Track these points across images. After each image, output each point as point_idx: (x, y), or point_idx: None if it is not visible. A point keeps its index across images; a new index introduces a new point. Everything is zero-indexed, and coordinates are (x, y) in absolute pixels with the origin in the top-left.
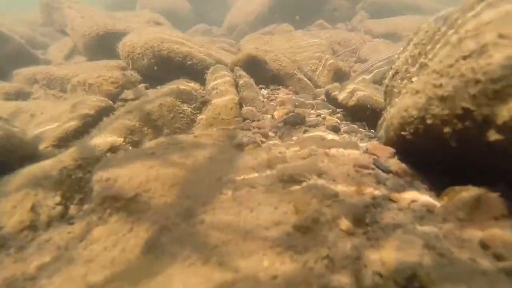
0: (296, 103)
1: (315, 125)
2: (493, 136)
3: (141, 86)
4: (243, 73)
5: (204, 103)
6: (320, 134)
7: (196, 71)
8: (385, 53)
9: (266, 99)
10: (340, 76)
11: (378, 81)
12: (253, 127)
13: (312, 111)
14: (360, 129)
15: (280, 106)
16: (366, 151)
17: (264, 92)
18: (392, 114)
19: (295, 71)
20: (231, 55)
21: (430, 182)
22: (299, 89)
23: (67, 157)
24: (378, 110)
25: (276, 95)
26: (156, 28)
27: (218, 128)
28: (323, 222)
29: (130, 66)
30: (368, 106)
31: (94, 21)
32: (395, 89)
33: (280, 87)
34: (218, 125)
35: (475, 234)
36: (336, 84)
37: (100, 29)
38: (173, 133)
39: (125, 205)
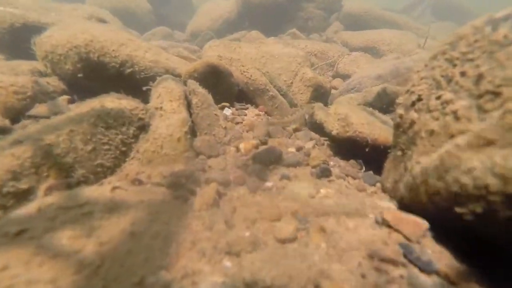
0: (269, 129)
1: (295, 165)
2: None
3: (62, 98)
4: (198, 87)
5: (143, 127)
6: (306, 187)
7: (138, 83)
8: (370, 68)
9: (229, 122)
10: (320, 94)
11: (370, 103)
12: (209, 167)
13: (290, 141)
14: (356, 171)
15: (247, 131)
16: (383, 223)
17: (228, 112)
18: (424, 169)
19: (268, 87)
20: (188, 63)
21: (489, 280)
22: (272, 109)
23: None
24: (382, 147)
25: (243, 116)
26: (89, 24)
27: (157, 169)
28: None
29: (49, 71)
30: (369, 141)
31: (9, 9)
32: (417, 125)
33: (248, 105)
34: (159, 163)
35: None
36: (319, 104)
37: (16, 19)
38: (92, 173)
39: None
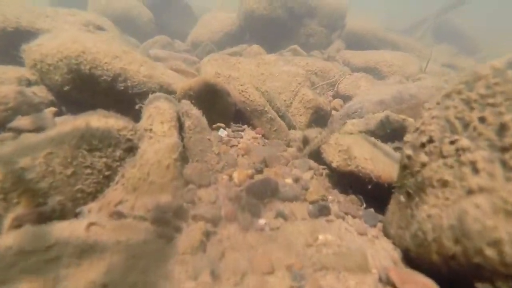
0: (266, 155)
1: (292, 199)
2: None
3: (49, 111)
4: (192, 109)
5: (131, 150)
6: (303, 231)
7: (131, 98)
8: (372, 92)
9: (224, 144)
10: (320, 116)
11: (372, 131)
12: (199, 199)
13: (287, 170)
14: (357, 208)
15: (243, 155)
16: (387, 282)
17: (223, 133)
18: (437, 227)
19: (266, 108)
20: (185, 79)
21: None
22: (269, 132)
23: None
24: (386, 185)
25: (238, 138)
26: (82, 33)
27: (142, 199)
28: None
29: (37, 79)
30: (372, 178)
31: (1, 12)
32: (428, 171)
33: (245, 126)
34: (145, 192)
35: None
36: (316, 129)
37: (8, 23)
38: (71, 200)
39: None
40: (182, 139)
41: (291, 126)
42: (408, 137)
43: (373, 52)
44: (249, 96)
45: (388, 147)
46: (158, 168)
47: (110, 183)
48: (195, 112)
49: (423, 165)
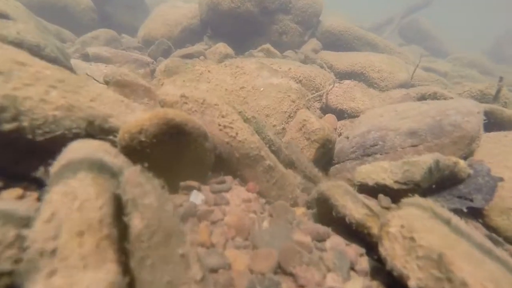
0: (278, 253)
1: None
2: None
3: None
4: (144, 193)
5: None
6: None
7: (33, 147)
8: (386, 113)
9: (200, 220)
10: (327, 150)
11: (416, 183)
12: None
13: (317, 277)
14: None
15: (233, 238)
16: None
17: (198, 199)
18: None
19: (263, 152)
20: (131, 105)
21: None
22: (268, 186)
23: None
24: None
25: (223, 205)
26: None
27: None
28: None
29: None
30: None
31: None
32: None
33: (230, 179)
34: None
35: None
36: (341, 185)
37: None
38: None
39: None
40: (125, 259)
41: (287, 164)
42: None
43: (356, 54)
44: (237, 134)
45: (474, 232)
46: None
47: None
48: (151, 200)
49: None
